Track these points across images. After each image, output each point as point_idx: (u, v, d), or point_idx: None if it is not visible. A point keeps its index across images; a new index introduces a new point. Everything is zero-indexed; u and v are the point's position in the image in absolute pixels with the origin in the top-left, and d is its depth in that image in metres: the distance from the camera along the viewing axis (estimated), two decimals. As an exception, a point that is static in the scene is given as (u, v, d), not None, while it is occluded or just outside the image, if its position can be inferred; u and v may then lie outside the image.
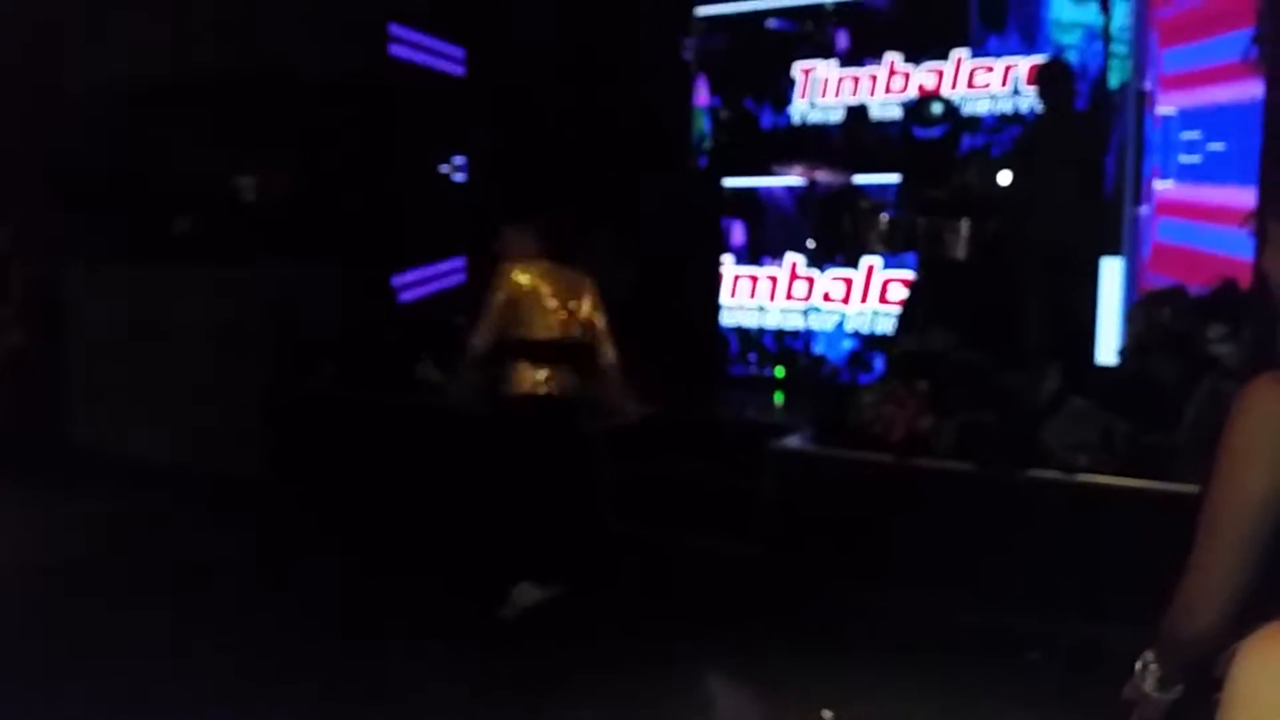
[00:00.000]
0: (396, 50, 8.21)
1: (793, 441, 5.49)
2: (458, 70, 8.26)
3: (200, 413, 7.42)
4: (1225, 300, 5.24)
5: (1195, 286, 5.42)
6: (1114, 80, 6.22)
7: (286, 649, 4.58)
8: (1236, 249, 5.32)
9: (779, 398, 6.97)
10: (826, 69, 7.20)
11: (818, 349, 7.06)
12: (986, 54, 6.69)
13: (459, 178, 8.34)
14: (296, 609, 5.14)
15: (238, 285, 7.46)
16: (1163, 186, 6.13)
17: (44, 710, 3.92)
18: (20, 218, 7.82)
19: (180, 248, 7.82)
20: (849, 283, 6.99)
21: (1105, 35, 6.27)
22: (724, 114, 7.60)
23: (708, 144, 7.66)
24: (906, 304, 6.25)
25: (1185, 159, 6.04)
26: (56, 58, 8.17)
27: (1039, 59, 6.27)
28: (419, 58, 8.28)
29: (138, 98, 7.86)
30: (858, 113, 7.03)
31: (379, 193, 8.17)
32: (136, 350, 7.69)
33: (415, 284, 8.45)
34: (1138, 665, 1.78)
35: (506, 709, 4.08)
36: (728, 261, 7.50)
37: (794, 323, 7.19)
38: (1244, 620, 1.52)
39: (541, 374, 4.83)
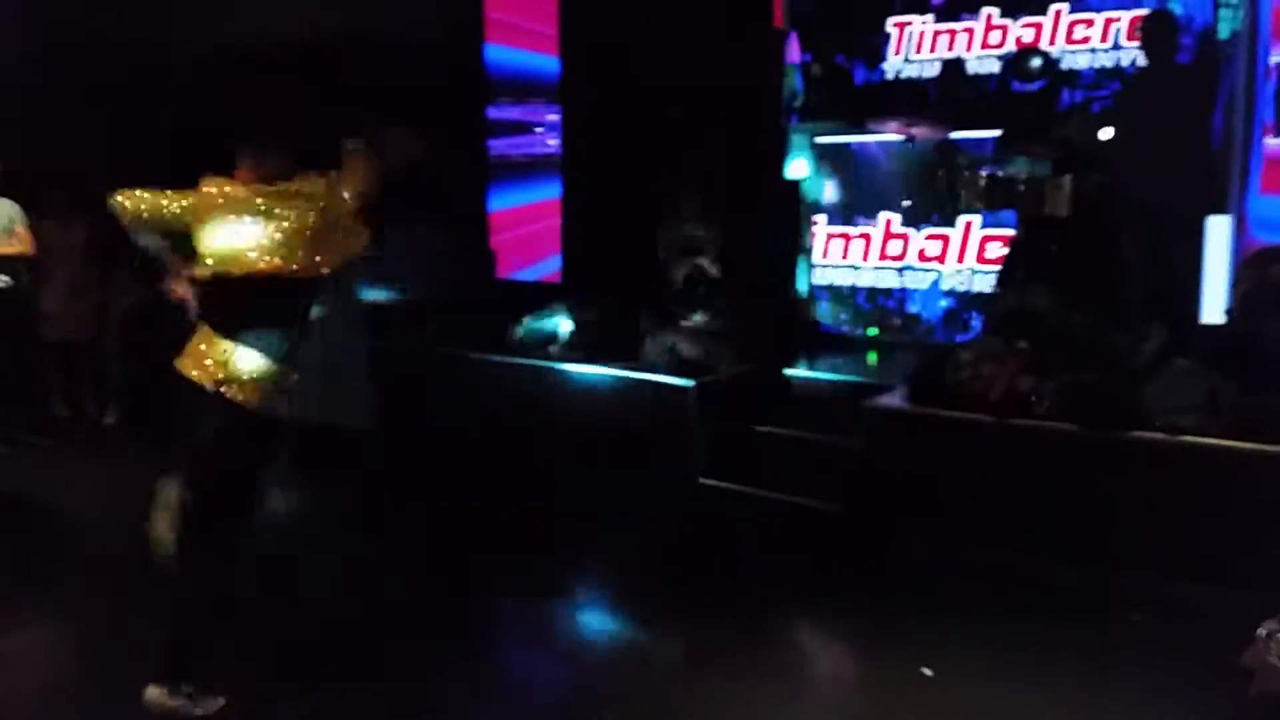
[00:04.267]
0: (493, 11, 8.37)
1: (887, 400, 5.53)
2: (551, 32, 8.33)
3: (309, 367, 7.69)
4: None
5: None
6: (1224, 31, 6.05)
7: (387, 590, 4.86)
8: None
9: (872, 357, 6.99)
10: (921, 23, 7.11)
11: (913, 308, 7.05)
12: (1087, 7, 6.54)
13: (552, 144, 8.45)
14: (396, 550, 5.44)
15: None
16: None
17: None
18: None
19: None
20: (945, 240, 6.96)
21: (1215, -15, 6.09)
22: (816, 70, 7.54)
23: (799, 101, 7.62)
24: (1006, 262, 6.21)
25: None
26: (169, 25, 8.46)
27: (1143, 11, 6.13)
28: (513, 19, 8.41)
29: (248, 62, 8.12)
30: (954, 67, 6.94)
31: (479, 158, 8.38)
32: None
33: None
34: (1261, 633, 1.78)
35: (600, 652, 4.25)
36: (819, 221, 7.50)
37: (888, 281, 7.19)
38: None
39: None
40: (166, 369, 3.68)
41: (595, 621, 4.53)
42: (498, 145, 8.72)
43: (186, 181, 3.75)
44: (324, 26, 7.88)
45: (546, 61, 8.37)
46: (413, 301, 7.69)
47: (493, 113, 8.70)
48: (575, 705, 3.90)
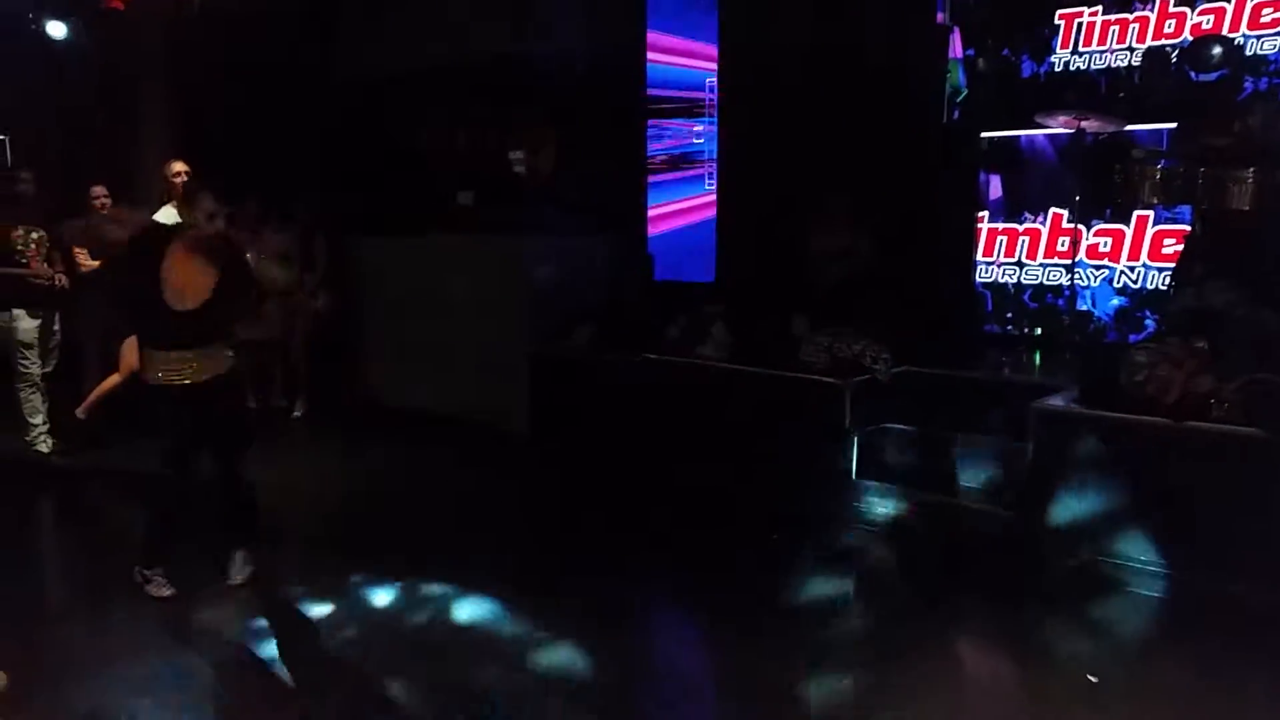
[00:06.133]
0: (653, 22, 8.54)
1: (1056, 402, 5.39)
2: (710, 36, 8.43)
3: (474, 370, 8.05)
4: None
5: None
6: None
7: (545, 572, 5.11)
8: None
9: (1037, 357, 6.82)
10: (1091, 14, 6.88)
11: (1083, 306, 6.84)
12: (1275, -12, 6.21)
13: (710, 149, 8.54)
14: (555, 540, 5.67)
15: (509, 254, 8.02)
16: None
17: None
18: (320, 195, 8.67)
19: (458, 220, 8.49)
20: (1118, 236, 6.72)
21: None
22: (981, 64, 7.40)
23: (963, 96, 7.49)
24: (1182, 258, 5.96)
25: None
26: (346, 49, 8.98)
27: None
28: (672, 27, 8.56)
29: (421, 84, 8.56)
30: (1156, 57, 6.67)
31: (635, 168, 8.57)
32: (420, 312, 8.42)
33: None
34: None
35: (750, 648, 4.31)
36: (984, 217, 7.35)
37: (1056, 279, 6.99)
38: None
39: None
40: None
41: (746, 618, 4.59)
42: (654, 149, 8.88)
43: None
44: (498, 48, 8.27)
45: (704, 69, 8.49)
46: (576, 305, 7.94)
47: (651, 120, 8.86)
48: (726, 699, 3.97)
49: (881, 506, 5.82)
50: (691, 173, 8.69)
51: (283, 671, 4.17)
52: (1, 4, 7.78)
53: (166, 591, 4.74)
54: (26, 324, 6.91)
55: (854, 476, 6.06)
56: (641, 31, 8.69)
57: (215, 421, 4.71)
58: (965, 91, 7.45)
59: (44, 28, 8.57)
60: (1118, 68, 6.79)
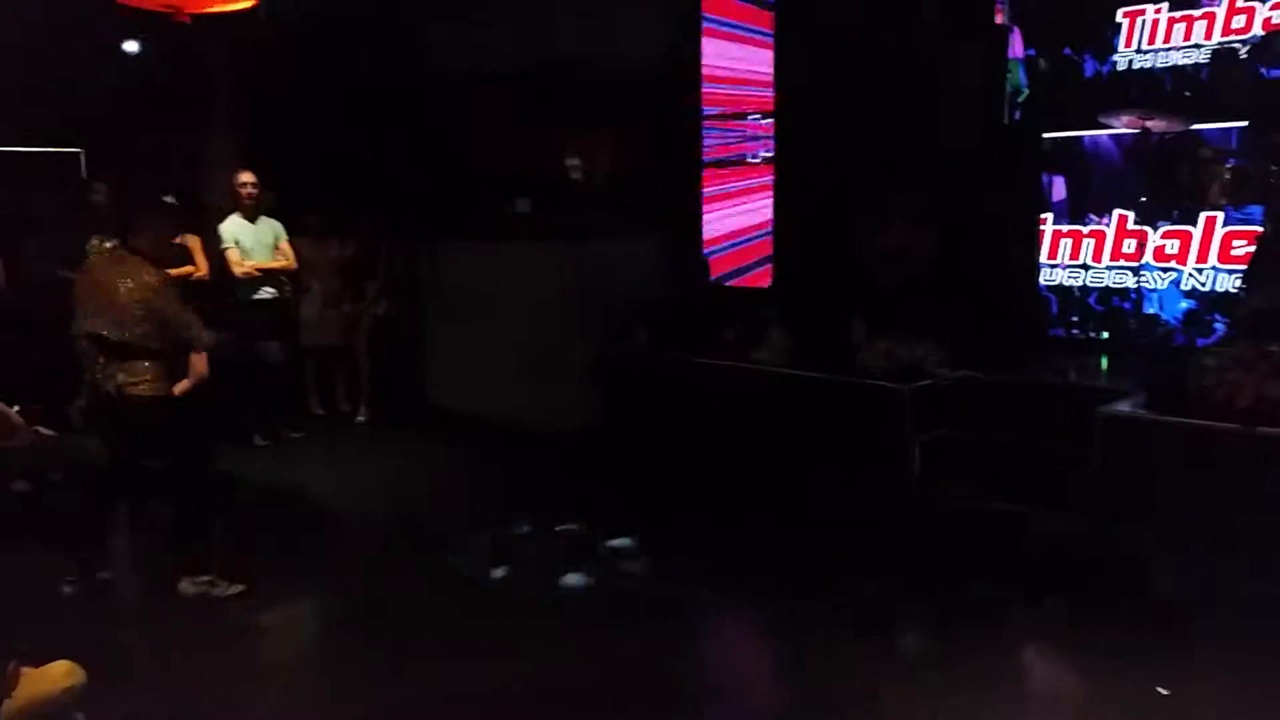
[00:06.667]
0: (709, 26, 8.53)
1: (1123, 407, 5.31)
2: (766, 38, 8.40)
3: (535, 374, 8.12)
4: None
5: None
6: None
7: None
8: None
9: (1104, 361, 6.71)
10: (1155, 12, 6.75)
11: (1150, 310, 6.71)
12: (1351, -20, 6.04)
13: (767, 153, 8.52)
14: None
15: (565, 260, 8.07)
16: None
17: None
18: (385, 204, 8.82)
19: (517, 227, 8.58)
20: (1185, 238, 6.58)
21: None
22: (1042, 64, 7.30)
23: (1024, 96, 7.39)
24: (1254, 260, 5.83)
25: None
26: (406, 60, 9.13)
27: None
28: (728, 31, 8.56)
29: (478, 92, 8.67)
30: (1195, 55, 6.55)
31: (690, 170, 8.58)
32: (482, 318, 8.51)
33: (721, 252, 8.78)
34: None
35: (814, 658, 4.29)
36: (1047, 219, 7.24)
37: (1122, 282, 6.87)
38: None
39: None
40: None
41: (807, 625, 4.57)
42: (709, 155, 8.87)
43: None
44: (553, 55, 8.35)
45: (760, 73, 8.47)
46: (633, 308, 7.98)
47: (707, 125, 8.86)
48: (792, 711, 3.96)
49: (944, 513, 5.76)
50: (748, 175, 8.66)
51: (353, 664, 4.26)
52: (73, 21, 8.01)
53: (235, 589, 4.84)
54: (101, 332, 7.10)
55: (916, 483, 6.01)
56: (696, 34, 8.70)
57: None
58: (1026, 92, 7.36)
59: (116, 43, 8.82)
60: (1183, 66, 6.65)
